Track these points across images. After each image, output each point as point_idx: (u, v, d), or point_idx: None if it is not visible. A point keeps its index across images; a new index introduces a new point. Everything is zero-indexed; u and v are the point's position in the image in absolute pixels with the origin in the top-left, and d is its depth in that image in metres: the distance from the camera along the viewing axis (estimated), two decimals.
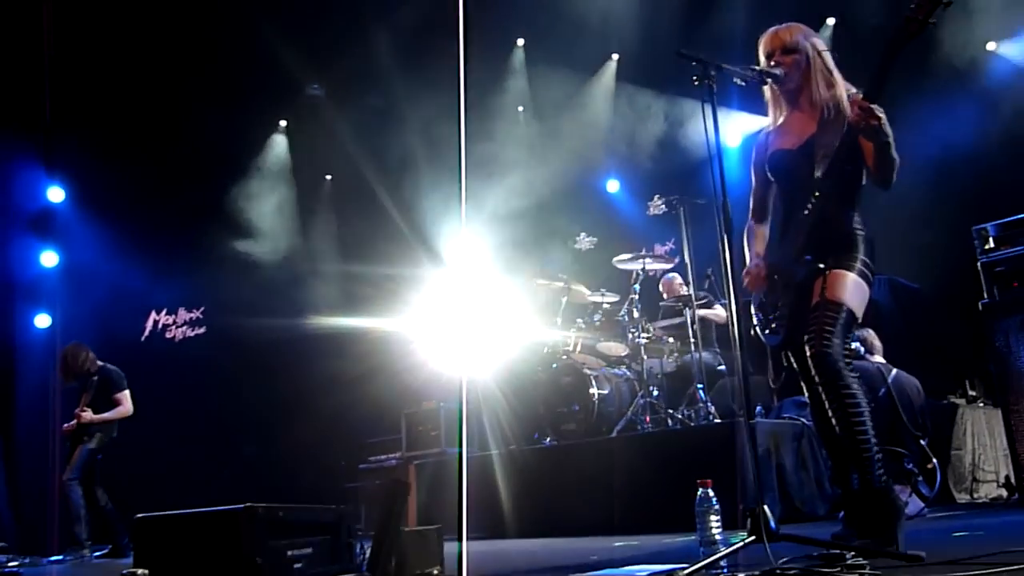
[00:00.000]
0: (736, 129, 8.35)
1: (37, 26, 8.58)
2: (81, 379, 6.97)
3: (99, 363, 7.05)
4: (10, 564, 5.51)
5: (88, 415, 6.74)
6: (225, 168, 9.79)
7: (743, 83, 3.06)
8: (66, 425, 6.88)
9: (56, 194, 9.49)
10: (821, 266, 3.04)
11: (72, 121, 9.20)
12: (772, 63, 3.16)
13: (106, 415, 6.82)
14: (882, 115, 2.87)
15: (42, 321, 9.48)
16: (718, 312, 7.11)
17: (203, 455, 10.05)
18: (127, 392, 6.99)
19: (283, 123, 10.43)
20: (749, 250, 3.40)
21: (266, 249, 10.21)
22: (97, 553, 6.68)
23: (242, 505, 2.76)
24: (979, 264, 5.44)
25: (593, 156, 9.89)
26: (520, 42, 9.81)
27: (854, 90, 3.12)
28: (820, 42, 3.21)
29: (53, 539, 8.23)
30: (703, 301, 7.08)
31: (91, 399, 6.83)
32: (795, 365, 3.22)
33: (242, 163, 9.91)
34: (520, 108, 10.25)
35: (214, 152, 9.64)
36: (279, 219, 10.28)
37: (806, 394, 3.26)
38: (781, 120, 3.28)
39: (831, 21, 8.09)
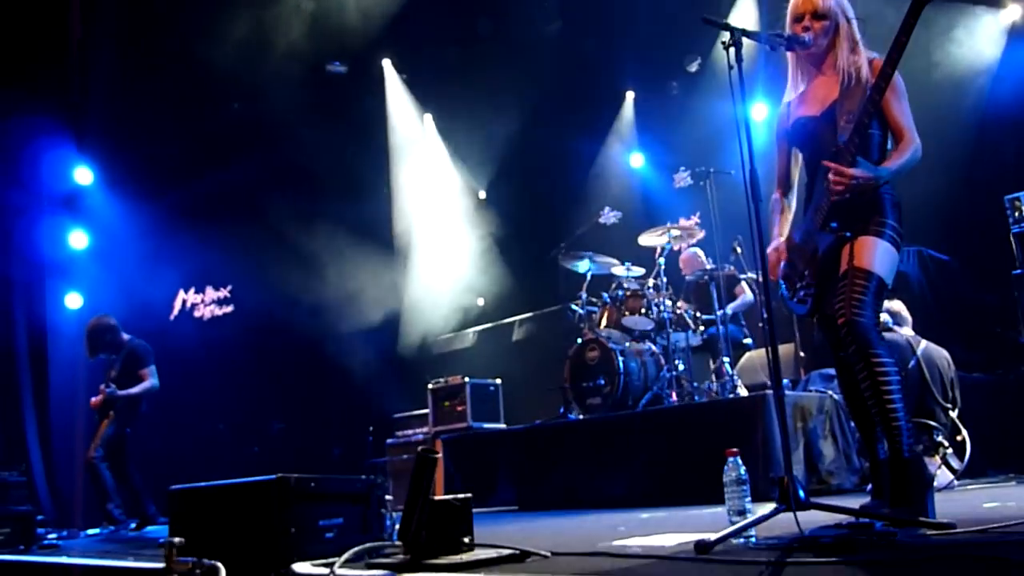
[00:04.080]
0: (761, 102, 8.27)
1: (65, 7, 8.64)
2: (106, 352, 6.97)
3: (126, 337, 7.03)
4: (49, 536, 5.61)
5: (111, 391, 6.71)
6: (252, 146, 9.82)
7: (770, 48, 3.03)
8: (93, 399, 6.88)
9: (84, 175, 9.58)
10: (847, 234, 3.02)
11: (100, 102, 9.27)
12: (802, 27, 3.11)
13: (130, 391, 6.78)
14: (854, 173, 2.89)
15: (73, 301, 9.61)
16: (745, 297, 7.08)
17: (232, 431, 10.20)
18: (152, 367, 6.91)
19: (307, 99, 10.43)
20: (773, 227, 3.39)
21: (293, 226, 10.27)
22: (130, 527, 6.79)
23: (274, 476, 2.80)
24: (1011, 234, 5.37)
25: (616, 128, 9.86)
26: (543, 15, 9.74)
27: (875, 55, 3.08)
28: (849, 8, 3.16)
29: (79, 513, 8.37)
30: (728, 273, 7.05)
31: (117, 374, 6.83)
32: (823, 332, 3.21)
33: (270, 140, 9.93)
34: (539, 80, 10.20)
35: (241, 130, 9.70)
36: (305, 195, 10.31)
37: (834, 363, 3.25)
38: (803, 88, 3.25)
39: None
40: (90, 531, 6.81)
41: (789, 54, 3.23)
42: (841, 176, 2.90)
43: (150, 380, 6.90)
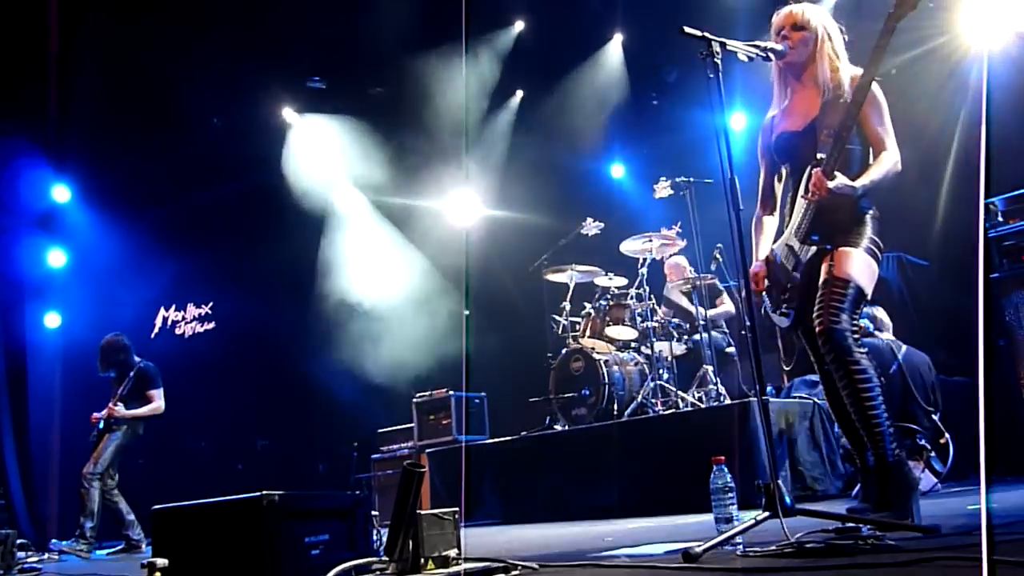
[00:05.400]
0: (740, 112, 8.35)
1: (42, 24, 8.59)
2: (116, 371, 7.00)
3: (137, 359, 7.09)
4: (29, 560, 5.53)
5: (120, 410, 6.76)
6: (231, 162, 9.78)
7: (747, 59, 3.06)
8: (95, 414, 6.89)
9: (62, 193, 9.50)
10: (828, 246, 3.05)
11: (77, 119, 9.22)
12: (780, 38, 3.16)
13: (137, 411, 6.84)
14: (834, 183, 2.94)
15: (52, 320, 9.52)
16: (726, 308, 7.13)
17: (216, 449, 10.11)
18: (160, 390, 7.00)
19: (287, 115, 10.37)
20: (756, 246, 3.41)
21: (274, 241, 10.21)
22: (111, 549, 6.74)
23: (259, 493, 2.78)
24: (988, 238, 5.42)
25: (596, 139, 9.88)
26: (519, 25, 9.75)
27: (858, 71, 3.12)
28: (833, 24, 3.22)
29: (55, 534, 8.27)
30: (710, 282, 7.08)
31: (124, 393, 6.87)
32: (806, 345, 3.23)
33: (247, 157, 9.89)
34: (520, 93, 10.22)
35: (219, 147, 9.65)
36: (285, 211, 10.25)
37: (819, 375, 3.27)
38: (786, 103, 3.30)
39: None
40: (54, 542, 6.73)
41: (773, 68, 3.27)
42: (820, 186, 2.94)
43: (157, 402, 6.97)
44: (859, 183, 3.00)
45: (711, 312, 6.99)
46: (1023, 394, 5.19)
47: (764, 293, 3.35)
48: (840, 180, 2.96)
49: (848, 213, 3.07)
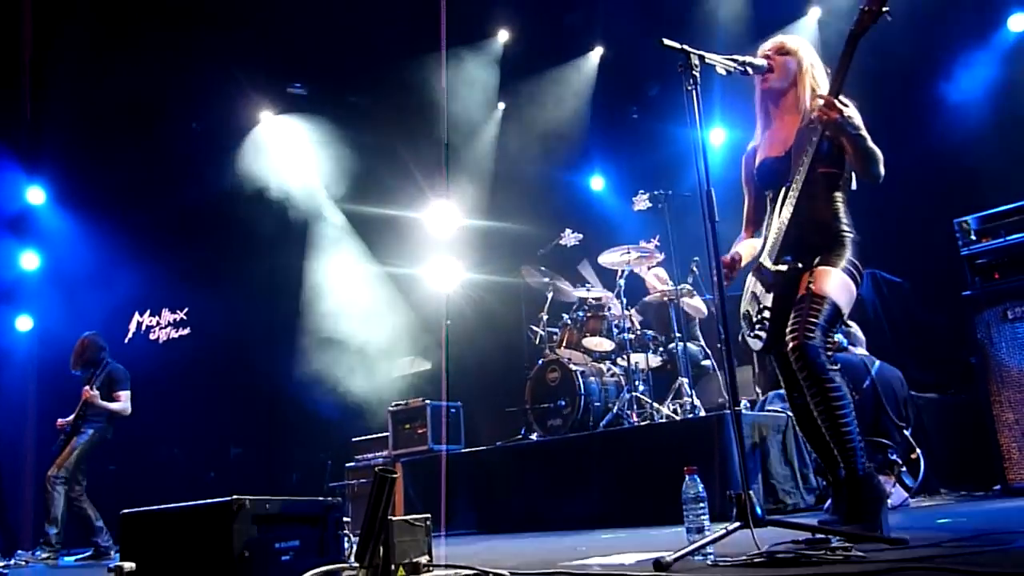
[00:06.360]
0: (719, 128, 8.43)
1: (16, 25, 8.52)
2: (87, 370, 6.98)
3: (108, 360, 7.08)
4: None
5: (95, 396, 6.75)
6: (207, 167, 9.72)
7: (726, 72, 3.09)
8: (61, 420, 6.86)
9: (36, 195, 9.39)
10: (800, 266, 3.08)
11: (52, 121, 9.13)
12: (763, 56, 3.22)
13: (106, 404, 6.82)
14: (847, 106, 2.96)
15: (24, 324, 9.39)
16: (697, 304, 7.18)
17: (188, 456, 10.00)
18: (128, 393, 6.99)
19: (266, 118, 10.31)
20: (733, 247, 3.44)
21: (250, 247, 10.15)
22: (79, 556, 6.65)
23: (229, 498, 2.75)
24: (961, 256, 5.49)
25: (576, 151, 9.94)
26: (502, 36, 9.79)
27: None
28: (818, 60, 3.28)
29: (28, 539, 8.16)
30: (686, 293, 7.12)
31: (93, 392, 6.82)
32: (778, 367, 3.24)
33: (223, 161, 9.84)
34: (501, 105, 10.25)
35: (195, 151, 9.60)
36: (263, 218, 10.19)
37: (789, 403, 3.28)
38: (767, 131, 3.35)
39: (815, 12, 8.12)
40: (20, 552, 6.64)
41: (756, 96, 3.32)
42: (831, 106, 2.93)
43: (124, 403, 6.95)
44: (858, 125, 2.99)
45: (683, 299, 7.01)
46: (994, 411, 5.23)
47: (742, 319, 3.36)
48: (848, 111, 2.96)
49: (825, 233, 3.10)
